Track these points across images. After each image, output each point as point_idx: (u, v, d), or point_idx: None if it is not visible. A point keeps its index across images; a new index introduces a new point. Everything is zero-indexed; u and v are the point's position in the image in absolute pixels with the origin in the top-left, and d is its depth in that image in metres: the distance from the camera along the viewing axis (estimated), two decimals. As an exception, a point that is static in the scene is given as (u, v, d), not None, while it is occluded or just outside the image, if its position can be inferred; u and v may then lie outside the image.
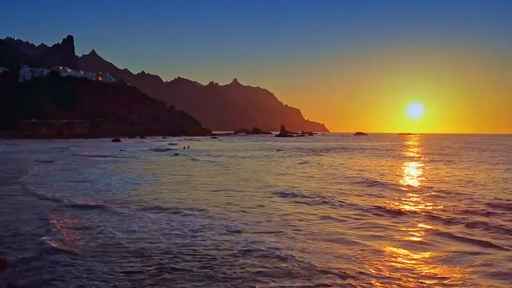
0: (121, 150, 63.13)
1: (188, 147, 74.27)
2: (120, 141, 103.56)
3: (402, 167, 38.23)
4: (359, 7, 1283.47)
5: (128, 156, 50.31)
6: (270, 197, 19.67)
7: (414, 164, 42.62)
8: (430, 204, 17.88)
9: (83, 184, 23.40)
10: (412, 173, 32.74)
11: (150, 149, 66.58)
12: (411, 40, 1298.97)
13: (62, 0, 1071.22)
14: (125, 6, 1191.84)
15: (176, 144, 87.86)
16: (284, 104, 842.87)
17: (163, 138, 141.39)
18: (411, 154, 61.26)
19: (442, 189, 21.94)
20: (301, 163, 41.12)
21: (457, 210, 16.14)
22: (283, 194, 20.22)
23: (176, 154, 53.66)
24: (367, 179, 26.25)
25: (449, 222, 14.20)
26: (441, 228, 13.39)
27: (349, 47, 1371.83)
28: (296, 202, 18.30)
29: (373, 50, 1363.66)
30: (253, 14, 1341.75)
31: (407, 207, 17.05)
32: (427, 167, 37.73)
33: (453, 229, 13.14)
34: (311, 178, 28.13)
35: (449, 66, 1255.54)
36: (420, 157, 54.34)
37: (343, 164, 40.68)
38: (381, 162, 44.69)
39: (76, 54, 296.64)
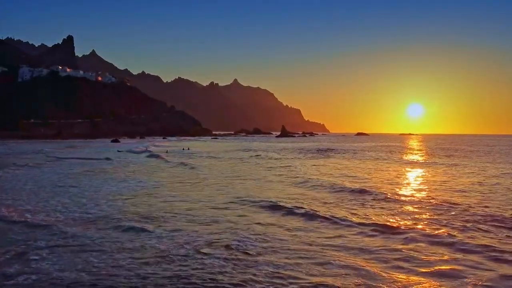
0: (118, 151, 61.75)
1: (188, 149, 72.27)
2: (119, 141, 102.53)
3: (418, 174, 33.33)
4: (360, 7, 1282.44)
5: (102, 157, 47.57)
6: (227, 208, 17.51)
7: (433, 170, 35.95)
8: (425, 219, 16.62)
9: (35, 192, 21.14)
10: (432, 183, 26.69)
11: (125, 151, 62.80)
12: (411, 41, 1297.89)
13: (62, 0, 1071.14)
14: (125, 6, 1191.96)
15: (156, 146, 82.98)
16: (285, 105, 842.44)
17: (163, 138, 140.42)
18: (425, 158, 56.05)
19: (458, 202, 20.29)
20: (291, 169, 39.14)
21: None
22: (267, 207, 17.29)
23: (153, 156, 50.55)
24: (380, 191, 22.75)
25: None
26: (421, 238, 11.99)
27: (349, 47, 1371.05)
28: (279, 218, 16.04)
29: (373, 50, 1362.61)
30: (253, 14, 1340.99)
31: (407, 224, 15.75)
32: (445, 174, 33.09)
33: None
34: (308, 187, 25.00)
35: (449, 67, 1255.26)
36: (438, 161, 48.71)
37: (355, 170, 38.13)
38: (397, 168, 39.71)
39: (76, 54, 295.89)
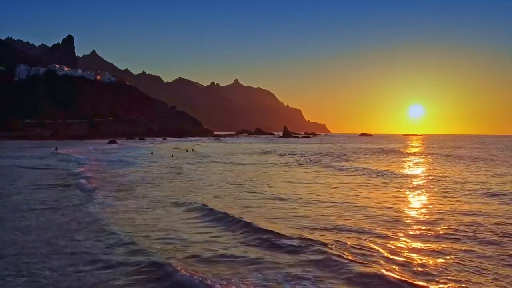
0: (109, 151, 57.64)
1: (193, 150, 66.90)
2: (116, 142, 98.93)
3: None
4: (361, 8, 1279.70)
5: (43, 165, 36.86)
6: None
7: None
8: None
9: None
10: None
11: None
12: (412, 41, 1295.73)
13: (62, 0, 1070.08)
14: (125, 6, 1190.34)
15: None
16: (285, 105, 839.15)
17: (163, 139, 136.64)
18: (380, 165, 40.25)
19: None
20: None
21: None
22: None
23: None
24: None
25: None
26: None
27: (349, 48, 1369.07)
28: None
29: (374, 51, 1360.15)
30: (254, 14, 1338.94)
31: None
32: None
33: None
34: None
35: (450, 67, 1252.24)
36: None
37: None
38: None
39: (76, 54, 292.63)
